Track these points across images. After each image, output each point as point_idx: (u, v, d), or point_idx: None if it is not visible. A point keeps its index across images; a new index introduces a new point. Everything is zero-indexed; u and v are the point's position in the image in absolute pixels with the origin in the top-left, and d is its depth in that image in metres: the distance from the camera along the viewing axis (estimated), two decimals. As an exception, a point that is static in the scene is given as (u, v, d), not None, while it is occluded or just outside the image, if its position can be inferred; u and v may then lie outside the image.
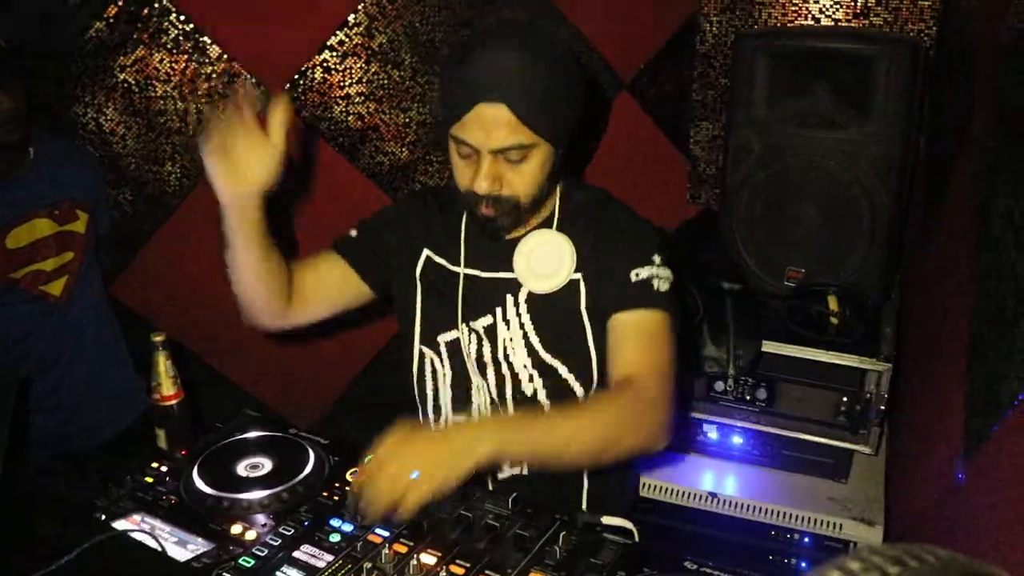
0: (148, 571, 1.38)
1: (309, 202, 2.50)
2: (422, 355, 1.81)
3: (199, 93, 2.37)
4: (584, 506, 1.78)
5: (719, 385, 2.22)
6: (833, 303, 2.17)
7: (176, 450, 1.74)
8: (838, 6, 2.44)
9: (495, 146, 1.53)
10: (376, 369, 2.76)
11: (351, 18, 2.34)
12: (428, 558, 1.40)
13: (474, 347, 1.74)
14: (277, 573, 1.37)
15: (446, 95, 1.58)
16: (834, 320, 2.16)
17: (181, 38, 2.32)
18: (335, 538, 1.46)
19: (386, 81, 2.40)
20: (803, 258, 2.25)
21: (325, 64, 2.37)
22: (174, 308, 2.62)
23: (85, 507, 1.53)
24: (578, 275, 1.66)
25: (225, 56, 2.34)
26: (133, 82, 2.37)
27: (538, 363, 1.69)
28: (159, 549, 1.41)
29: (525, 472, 1.76)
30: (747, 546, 2.23)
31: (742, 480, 2.28)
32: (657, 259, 1.63)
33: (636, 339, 1.60)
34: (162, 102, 2.39)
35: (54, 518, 1.49)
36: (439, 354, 1.78)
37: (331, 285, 1.83)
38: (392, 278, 1.82)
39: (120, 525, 1.48)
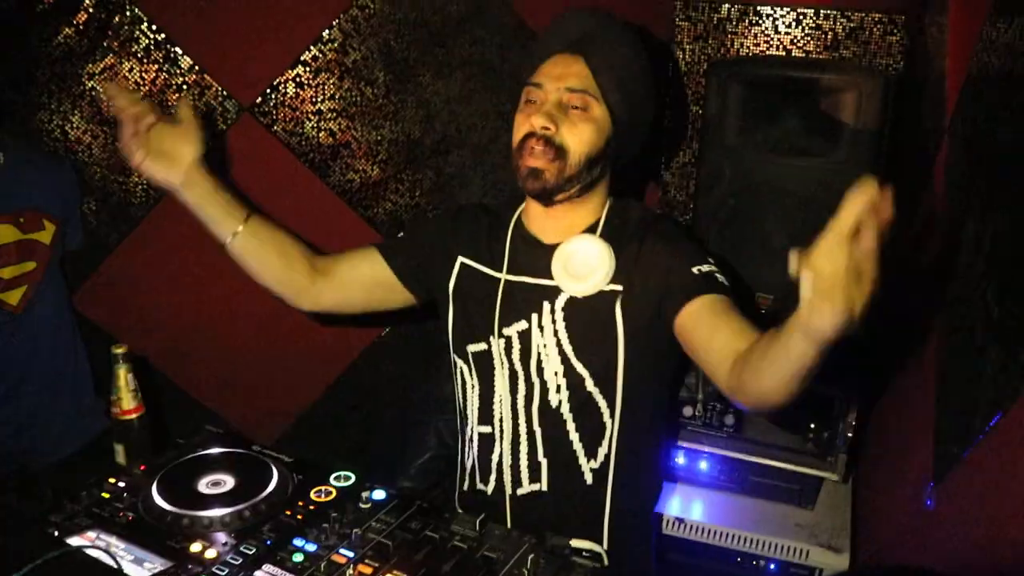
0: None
1: (277, 219, 2.47)
2: (455, 364, 1.84)
3: (169, 104, 2.33)
4: (606, 529, 1.76)
5: (687, 410, 2.21)
6: (802, 330, 2.17)
7: (135, 466, 1.70)
8: (809, 38, 2.47)
9: (564, 84, 1.67)
10: (341, 388, 2.72)
11: (325, 34, 2.32)
12: (393, 579, 1.37)
13: (505, 354, 1.74)
14: (237, 593, 1.34)
15: (530, 51, 1.77)
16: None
17: (152, 47, 2.29)
18: (298, 558, 1.42)
19: (359, 98, 2.39)
20: (774, 285, 2.25)
21: (298, 79, 2.35)
22: (137, 322, 2.57)
23: (38, 522, 1.48)
24: (618, 287, 1.68)
25: (196, 67, 2.31)
26: (101, 91, 2.33)
27: (568, 371, 1.71)
28: (115, 567, 1.37)
29: (544, 488, 1.75)
30: (713, 572, 2.22)
31: (709, 505, 2.27)
32: (713, 261, 1.70)
33: (728, 314, 1.60)
34: (130, 112, 2.35)
35: (4, 533, 1.44)
36: (468, 364, 1.80)
37: (366, 278, 1.92)
38: (431, 288, 1.86)
39: (75, 542, 1.44)
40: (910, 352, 1.97)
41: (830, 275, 1.14)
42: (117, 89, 1.76)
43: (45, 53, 2.30)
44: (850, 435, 2.11)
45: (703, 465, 2.29)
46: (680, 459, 2.30)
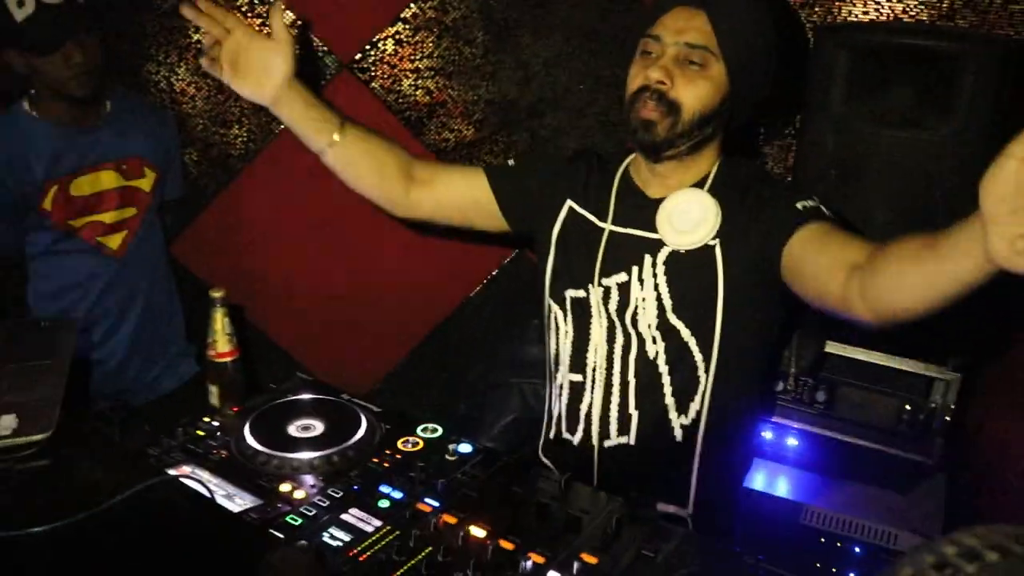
0: (198, 518, 1.37)
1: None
2: (549, 308, 1.83)
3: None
4: (692, 491, 1.75)
5: (778, 384, 2.16)
6: (902, 307, 2.10)
7: (228, 407, 1.74)
8: (923, 7, 2.37)
9: (684, 39, 1.64)
10: (428, 348, 2.75)
11: (426, -9, 2.33)
12: (478, 531, 1.37)
13: (602, 304, 1.73)
14: (324, 534, 1.36)
15: (652, 4, 1.73)
16: (902, 324, 2.09)
17: (256, 2, 2.32)
18: (384, 504, 1.44)
19: (457, 57, 2.38)
20: (874, 259, 2.18)
21: (397, 36, 2.36)
22: (231, 272, 2.63)
23: (138, 454, 1.53)
24: (715, 241, 1.66)
25: (299, 22, 2.34)
26: (206, 43, 2.37)
27: (663, 324, 1.70)
28: (208, 497, 1.41)
29: (632, 442, 1.75)
30: (796, 551, 2.18)
31: (794, 482, 2.22)
32: (818, 199, 1.66)
33: (838, 232, 1.58)
34: (234, 65, 2.39)
35: (108, 463, 1.50)
36: (564, 310, 1.80)
37: (466, 197, 1.92)
38: (532, 224, 1.86)
39: (171, 472, 1.48)
40: (1017, 329, 1.89)
41: None
42: (194, 13, 1.73)
43: (155, 6, 2.36)
44: (948, 418, 2.04)
45: (791, 441, 2.24)
46: (768, 434, 2.25)
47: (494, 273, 2.64)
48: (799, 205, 1.62)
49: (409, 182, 1.89)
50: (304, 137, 1.81)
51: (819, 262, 1.53)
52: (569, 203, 1.83)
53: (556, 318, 1.84)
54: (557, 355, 1.86)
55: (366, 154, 1.85)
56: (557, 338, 1.85)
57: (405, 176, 1.88)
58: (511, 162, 1.94)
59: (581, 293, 1.78)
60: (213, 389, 1.79)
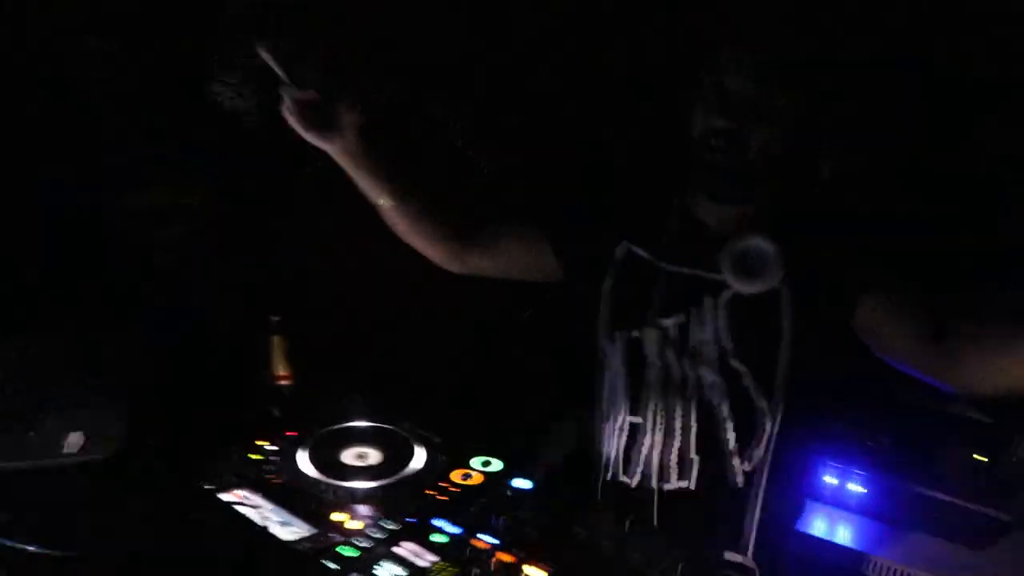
0: (250, 547, 1.35)
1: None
2: (605, 349, 1.78)
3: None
4: (752, 537, 1.69)
5: (840, 425, 2.09)
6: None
7: (284, 431, 1.72)
8: None
9: (753, 83, 1.57)
10: (483, 376, 2.70)
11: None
12: (535, 572, 1.33)
13: (659, 345, 1.68)
14: (377, 567, 1.33)
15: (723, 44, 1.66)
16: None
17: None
18: (439, 539, 1.40)
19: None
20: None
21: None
22: (290, 290, 2.62)
23: (194, 477, 1.52)
24: (783, 286, 1.60)
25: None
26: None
27: (725, 369, 1.62)
28: (261, 526, 1.39)
29: (692, 487, 1.70)
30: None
31: (857, 530, 2.13)
32: (893, 252, 1.60)
33: (917, 300, 1.54)
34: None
35: (159, 484, 1.48)
36: (619, 351, 1.75)
37: (527, 261, 1.89)
38: (592, 267, 1.82)
39: (224, 498, 1.46)
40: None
41: None
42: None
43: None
44: (1030, 473, 1.95)
45: (854, 486, 2.16)
46: (830, 478, 2.17)
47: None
48: (874, 260, 1.57)
49: (466, 248, 1.89)
50: (362, 188, 1.82)
51: (900, 332, 1.52)
52: (624, 242, 1.79)
53: (612, 360, 1.79)
54: (613, 396, 1.81)
55: (421, 214, 1.84)
56: (614, 379, 1.80)
57: (459, 242, 1.89)
58: (564, 209, 1.92)
59: (635, 334, 1.74)
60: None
